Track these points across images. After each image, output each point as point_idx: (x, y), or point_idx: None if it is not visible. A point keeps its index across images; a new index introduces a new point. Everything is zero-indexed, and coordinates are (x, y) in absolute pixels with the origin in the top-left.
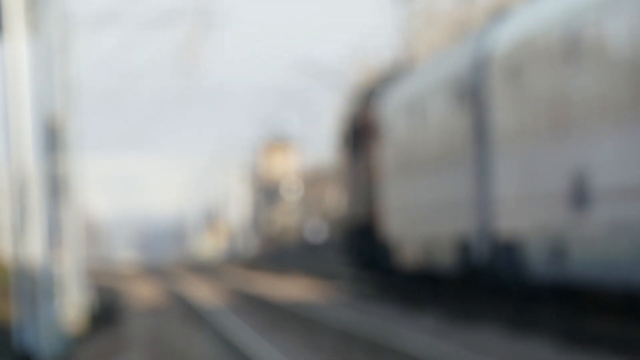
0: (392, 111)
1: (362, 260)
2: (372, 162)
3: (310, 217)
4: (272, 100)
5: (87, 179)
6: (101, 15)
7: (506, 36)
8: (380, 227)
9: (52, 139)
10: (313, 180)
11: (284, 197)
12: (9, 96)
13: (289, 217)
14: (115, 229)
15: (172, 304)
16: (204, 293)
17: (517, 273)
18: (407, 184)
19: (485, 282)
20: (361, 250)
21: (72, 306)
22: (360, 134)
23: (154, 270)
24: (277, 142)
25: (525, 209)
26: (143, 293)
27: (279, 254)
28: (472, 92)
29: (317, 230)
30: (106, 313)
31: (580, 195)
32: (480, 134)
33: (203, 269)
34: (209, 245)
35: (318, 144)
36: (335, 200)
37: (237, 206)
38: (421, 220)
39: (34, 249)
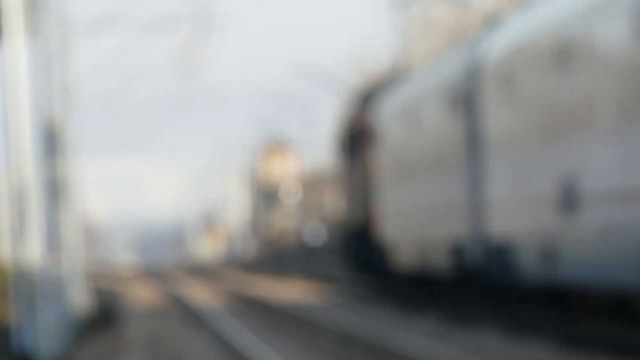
0: (388, 116)
1: (358, 262)
2: (368, 166)
3: (309, 220)
4: (271, 103)
5: (86, 182)
6: (100, 18)
7: (499, 44)
8: (377, 230)
9: (51, 141)
10: (312, 183)
11: (282, 200)
12: (9, 99)
13: (287, 220)
14: (114, 232)
15: (171, 307)
16: (202, 295)
17: (509, 275)
18: (402, 188)
19: (478, 284)
20: (358, 253)
21: (71, 308)
22: (357, 138)
23: (152, 273)
24: (276, 145)
25: (517, 213)
26: (142, 295)
27: (278, 256)
28: (465, 99)
29: (315, 233)
30: (105, 315)
31: (569, 200)
32: (473, 139)
33: (202, 271)
34: (207, 248)
35: (317, 147)
36: (334, 203)
37: (235, 209)
38: (416, 223)
39: (33, 251)
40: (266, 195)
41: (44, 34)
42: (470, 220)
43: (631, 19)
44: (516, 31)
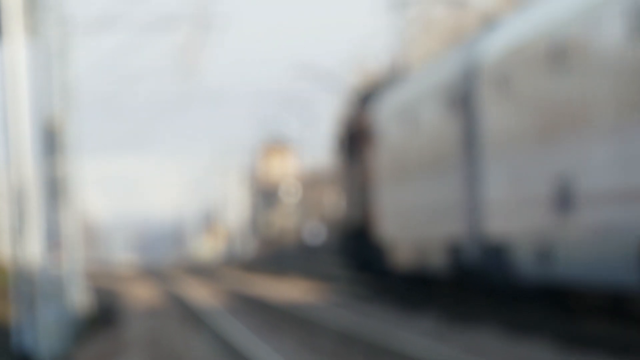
0: (386, 116)
1: (357, 262)
2: (366, 165)
3: (309, 220)
4: (271, 103)
5: (86, 181)
6: (100, 18)
7: (495, 45)
8: (375, 229)
9: (51, 141)
10: (311, 183)
11: (282, 199)
12: (8, 99)
13: (287, 219)
14: (114, 231)
15: (171, 306)
16: (202, 295)
17: (506, 274)
18: (400, 187)
19: (476, 284)
20: (356, 252)
21: (70, 308)
22: (355, 138)
23: (152, 272)
24: (276, 145)
25: (513, 213)
26: (141, 295)
27: (278, 256)
28: (463, 99)
29: (315, 232)
30: (105, 315)
31: (565, 199)
32: (470, 140)
33: (201, 271)
34: (207, 248)
35: (317, 146)
36: (333, 202)
37: (235, 208)
38: (414, 223)
39: (33, 251)
40: (266, 195)
41: (43, 34)
42: (468, 219)
43: (625, 21)
44: (513, 32)
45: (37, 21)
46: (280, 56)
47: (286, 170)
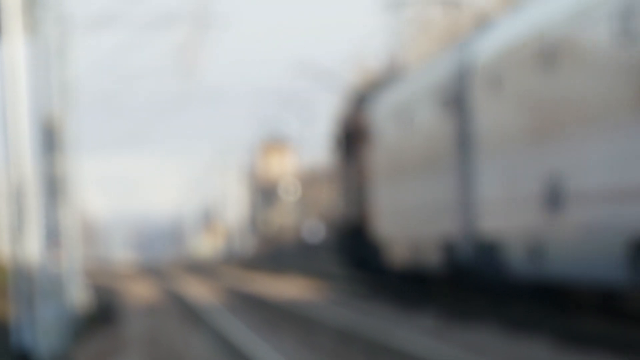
0: (382, 116)
1: (353, 260)
2: (363, 164)
3: (308, 218)
4: (270, 102)
5: (85, 180)
6: (99, 17)
7: (488, 46)
8: (371, 228)
9: (50, 139)
10: (310, 181)
11: (281, 197)
12: (7, 97)
13: (286, 217)
14: (113, 229)
15: (170, 304)
16: (201, 293)
17: (498, 272)
18: (395, 186)
19: (469, 281)
20: (352, 250)
21: (70, 306)
22: (352, 137)
23: (151, 270)
24: (275, 143)
25: (505, 211)
26: (140, 293)
27: (277, 254)
28: (456, 100)
29: (314, 230)
30: (104, 313)
31: (555, 198)
32: (464, 139)
33: (200, 268)
34: (206, 246)
35: (316, 145)
36: (332, 201)
37: (234, 206)
38: (409, 221)
39: (32, 249)
40: (265, 193)
41: (43, 33)
42: (461, 218)
43: (614, 22)
44: (505, 33)
45: (37, 20)
46: (280, 55)
47: (285, 168)
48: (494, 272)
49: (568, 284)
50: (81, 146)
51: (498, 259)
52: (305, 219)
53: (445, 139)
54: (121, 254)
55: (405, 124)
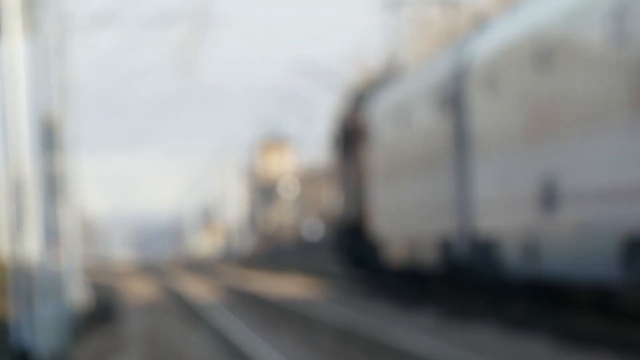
0: (380, 115)
1: (351, 258)
2: (361, 163)
3: (307, 216)
4: (270, 101)
5: (84, 178)
6: (99, 16)
7: (485, 46)
8: (369, 226)
9: (49, 138)
10: (310, 180)
11: (280, 196)
12: (7, 96)
13: (285, 215)
14: (112, 227)
15: (169, 302)
16: (200, 291)
17: (494, 270)
18: (393, 185)
19: (465, 279)
20: (351, 248)
21: (69, 304)
22: (350, 137)
23: (150, 269)
24: (274, 142)
25: (501, 210)
26: (140, 291)
27: (276, 252)
28: (453, 100)
29: (313, 228)
30: (103, 311)
31: (551, 197)
32: (460, 139)
33: (200, 267)
34: (205, 244)
35: (315, 144)
36: (331, 199)
37: (233, 205)
38: (406, 220)
39: (31, 247)
40: (264, 191)
41: (42, 31)
42: (458, 217)
43: (608, 24)
44: (501, 33)
45: (36, 19)
46: (280, 54)
47: (285, 167)
48: (490, 270)
49: (563, 282)
50: (81, 145)
51: (494, 258)
52: (304, 217)
53: (443, 139)
54: (120, 252)
55: (403, 123)
